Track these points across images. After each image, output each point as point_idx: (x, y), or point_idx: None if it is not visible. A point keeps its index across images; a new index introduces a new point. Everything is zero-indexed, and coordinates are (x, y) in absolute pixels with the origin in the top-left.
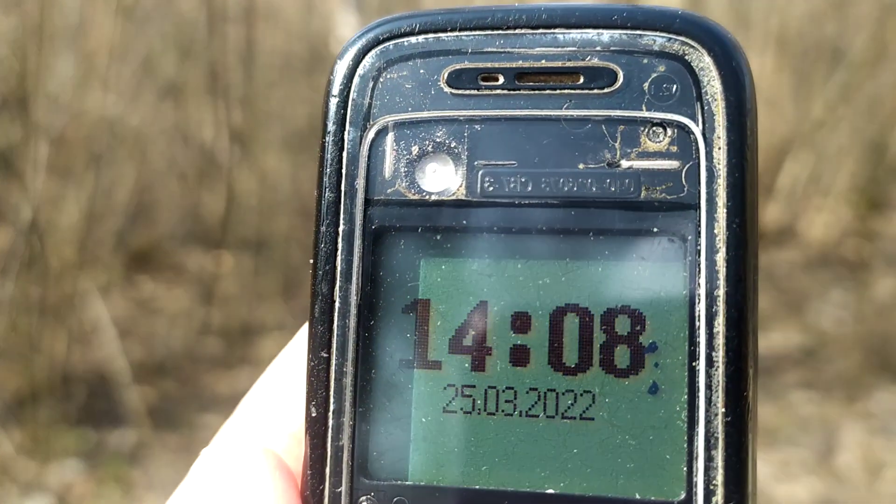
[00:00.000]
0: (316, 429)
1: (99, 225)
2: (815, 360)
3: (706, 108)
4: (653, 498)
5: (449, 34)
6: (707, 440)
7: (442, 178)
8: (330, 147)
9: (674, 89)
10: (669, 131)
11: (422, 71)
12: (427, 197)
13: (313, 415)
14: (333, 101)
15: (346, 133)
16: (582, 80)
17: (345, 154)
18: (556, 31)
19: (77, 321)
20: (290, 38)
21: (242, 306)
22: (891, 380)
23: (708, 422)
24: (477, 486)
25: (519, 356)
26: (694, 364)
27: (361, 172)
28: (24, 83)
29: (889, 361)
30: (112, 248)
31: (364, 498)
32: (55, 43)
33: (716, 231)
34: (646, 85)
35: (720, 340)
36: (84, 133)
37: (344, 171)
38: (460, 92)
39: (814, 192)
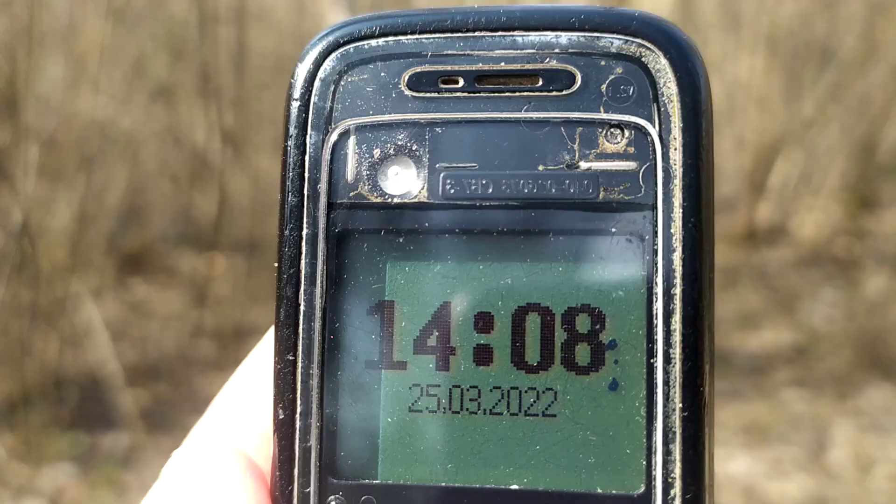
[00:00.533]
0: (284, 430)
1: (90, 227)
2: (806, 358)
3: (662, 109)
4: (613, 491)
5: (409, 37)
6: (665, 435)
7: (404, 181)
8: (292, 151)
9: (631, 91)
10: (627, 133)
11: (382, 74)
12: (389, 200)
13: (281, 417)
14: (295, 105)
15: (307, 137)
16: (541, 82)
17: (307, 158)
18: (515, 33)
19: (69, 324)
20: (281, 39)
21: (235, 308)
22: (881, 377)
23: (666, 417)
24: (443, 484)
25: (482, 355)
26: (652, 361)
27: (324, 176)
28: (13, 85)
29: (880, 359)
30: (104, 251)
31: (332, 497)
32: (45, 45)
33: (672, 230)
34: (603, 87)
35: (677, 338)
36: (75, 135)
37: (306, 174)
38: (421, 95)
39: (804, 190)
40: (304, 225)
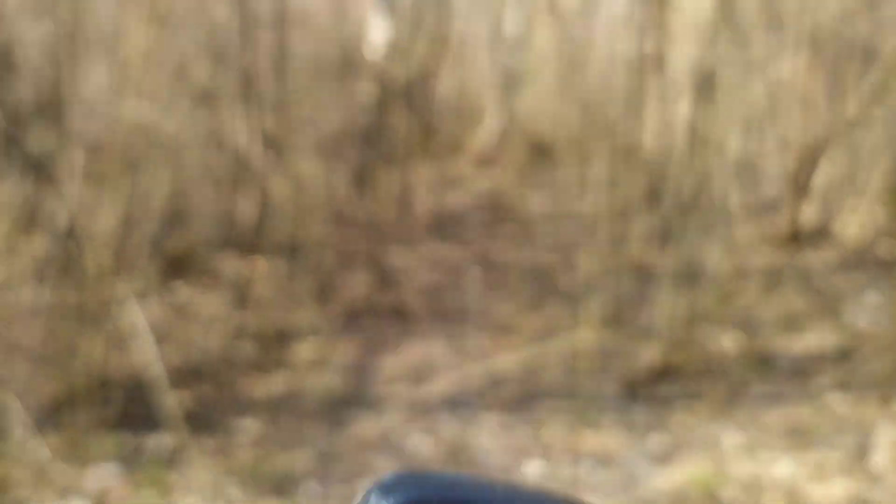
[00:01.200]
0: None
1: (134, 231)
2: (850, 361)
3: None
4: None
5: None
6: None
7: None
8: None
9: None
10: None
11: None
12: None
13: None
14: None
15: None
16: None
17: None
18: None
19: (114, 326)
20: (322, 42)
21: (277, 311)
22: None
23: None
24: None
25: None
26: None
27: None
28: (58, 90)
29: None
30: (148, 254)
31: None
32: (89, 50)
33: None
34: None
35: None
36: (119, 140)
37: None
38: None
39: (848, 192)
40: None
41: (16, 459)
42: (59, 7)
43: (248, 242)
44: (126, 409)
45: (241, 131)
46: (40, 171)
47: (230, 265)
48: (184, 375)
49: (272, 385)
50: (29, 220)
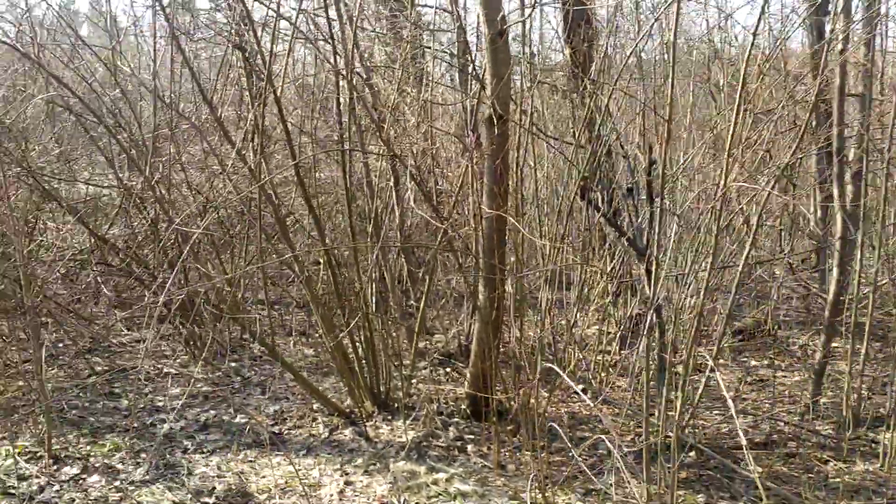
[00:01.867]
0: None
1: (712, 302)
2: None
3: None
4: None
5: None
6: None
7: None
8: None
9: None
10: None
11: None
12: None
13: None
14: None
15: None
16: None
17: None
18: None
19: (692, 390)
20: None
21: (855, 393)
22: None
23: None
24: None
25: None
26: None
27: None
28: (650, 172)
29: None
30: (723, 325)
31: None
32: (681, 136)
33: None
34: None
35: None
36: (705, 215)
37: None
38: None
39: None
40: None
41: (607, 497)
42: (655, 101)
43: (825, 322)
44: (702, 471)
45: (817, 208)
46: (632, 245)
47: (803, 342)
48: (756, 447)
49: (848, 469)
50: (618, 289)
